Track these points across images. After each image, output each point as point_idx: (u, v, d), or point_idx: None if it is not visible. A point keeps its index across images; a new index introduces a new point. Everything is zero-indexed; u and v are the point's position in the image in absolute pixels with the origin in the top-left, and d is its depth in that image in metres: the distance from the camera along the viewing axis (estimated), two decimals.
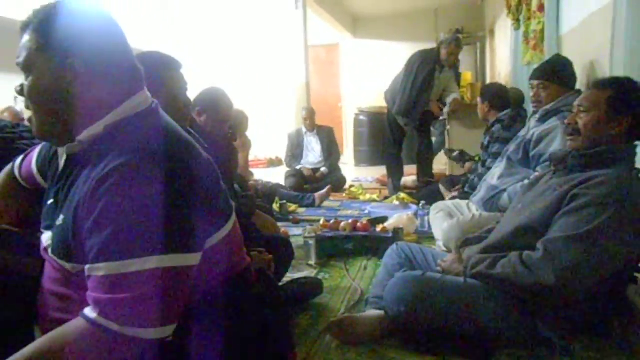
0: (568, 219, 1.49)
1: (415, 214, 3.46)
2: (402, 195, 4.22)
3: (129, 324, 0.80)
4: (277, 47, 7.67)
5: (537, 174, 1.95)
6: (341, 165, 5.73)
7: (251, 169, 6.40)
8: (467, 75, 5.67)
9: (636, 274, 1.62)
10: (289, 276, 2.35)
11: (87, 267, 0.84)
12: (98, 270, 0.82)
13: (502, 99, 3.33)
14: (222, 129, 2.45)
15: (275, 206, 4.11)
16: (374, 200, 4.63)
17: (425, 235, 3.17)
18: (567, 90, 2.42)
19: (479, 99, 3.44)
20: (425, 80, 4.33)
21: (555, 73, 2.44)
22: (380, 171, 5.85)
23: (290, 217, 3.92)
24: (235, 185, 2.92)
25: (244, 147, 3.96)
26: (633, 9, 1.75)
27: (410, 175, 5.12)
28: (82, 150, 0.93)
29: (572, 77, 2.46)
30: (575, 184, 1.54)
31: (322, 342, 1.73)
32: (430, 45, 7.39)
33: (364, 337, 1.68)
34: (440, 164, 6.16)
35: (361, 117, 8.00)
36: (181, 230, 0.85)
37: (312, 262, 2.69)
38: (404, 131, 4.77)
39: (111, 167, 0.85)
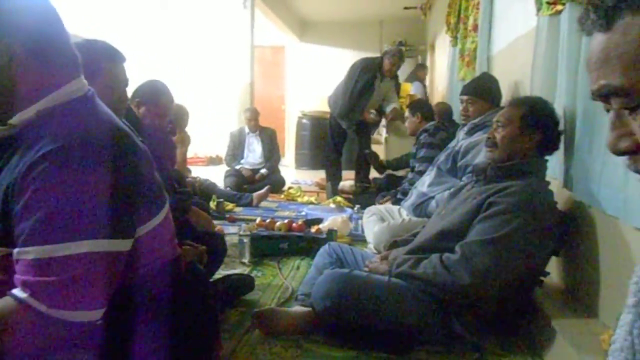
0: (484, 225, 1.62)
1: (350, 217, 3.56)
2: (338, 198, 4.32)
3: (57, 306, 0.81)
4: (223, 45, 7.61)
5: (461, 182, 2.10)
6: (282, 168, 5.75)
7: (190, 166, 6.28)
8: (407, 87, 5.88)
9: (542, 278, 1.77)
10: (222, 273, 2.36)
11: (16, 250, 0.84)
12: (27, 253, 0.82)
13: (429, 112, 3.64)
14: (160, 123, 2.43)
15: (212, 204, 4.09)
16: (312, 203, 4.70)
17: (358, 238, 3.26)
18: (492, 106, 2.60)
19: (408, 113, 3.68)
20: (365, 86, 4.48)
21: (482, 90, 2.62)
22: (320, 175, 5.94)
23: (227, 216, 3.91)
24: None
25: (183, 143, 3.92)
26: (551, 35, 1.92)
27: (347, 180, 5.24)
28: (14, 134, 0.93)
29: (498, 94, 2.64)
30: (492, 192, 1.67)
31: (250, 337, 1.76)
32: (374, 54, 7.60)
33: (287, 330, 1.73)
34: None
35: (304, 121, 8.07)
36: (113, 216, 0.87)
37: (246, 260, 2.71)
38: (345, 137, 4.88)
39: (44, 152, 0.85)
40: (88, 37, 1.69)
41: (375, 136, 7.06)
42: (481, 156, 2.46)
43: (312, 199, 4.86)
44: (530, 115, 1.74)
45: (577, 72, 1.67)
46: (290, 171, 7.81)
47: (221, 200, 4.14)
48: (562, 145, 1.80)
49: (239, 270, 2.56)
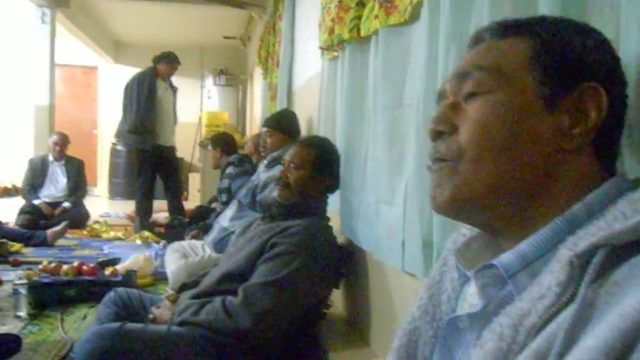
0: (266, 266, 1.61)
1: (156, 254, 3.35)
2: (146, 233, 4.05)
3: None
4: (18, 62, 6.80)
5: (249, 219, 2.10)
6: (93, 198, 5.26)
7: None
8: (224, 115, 5.85)
9: (325, 310, 1.84)
10: None
11: None
12: None
13: (230, 145, 3.68)
14: None
15: None
16: (119, 239, 4.35)
17: (162, 277, 3.06)
18: (290, 139, 2.68)
19: (209, 147, 3.69)
20: (150, 92, 4.44)
21: (280, 123, 2.70)
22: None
23: (10, 259, 3.39)
24: None
25: None
26: (330, 78, 2.05)
27: (162, 212, 4.98)
28: None
29: (295, 128, 2.75)
30: (274, 232, 1.68)
31: None
32: (196, 80, 7.54)
33: None
34: (196, 200, 6.17)
35: (118, 147, 7.55)
36: None
37: (22, 313, 2.35)
38: (162, 165, 4.64)
39: None
40: None
41: (195, 163, 6.90)
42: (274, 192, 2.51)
43: (120, 234, 4.50)
44: (322, 159, 1.80)
45: (335, 118, 1.78)
46: (102, 202, 7.21)
47: (4, 241, 3.59)
48: None
49: (10, 326, 2.21)
